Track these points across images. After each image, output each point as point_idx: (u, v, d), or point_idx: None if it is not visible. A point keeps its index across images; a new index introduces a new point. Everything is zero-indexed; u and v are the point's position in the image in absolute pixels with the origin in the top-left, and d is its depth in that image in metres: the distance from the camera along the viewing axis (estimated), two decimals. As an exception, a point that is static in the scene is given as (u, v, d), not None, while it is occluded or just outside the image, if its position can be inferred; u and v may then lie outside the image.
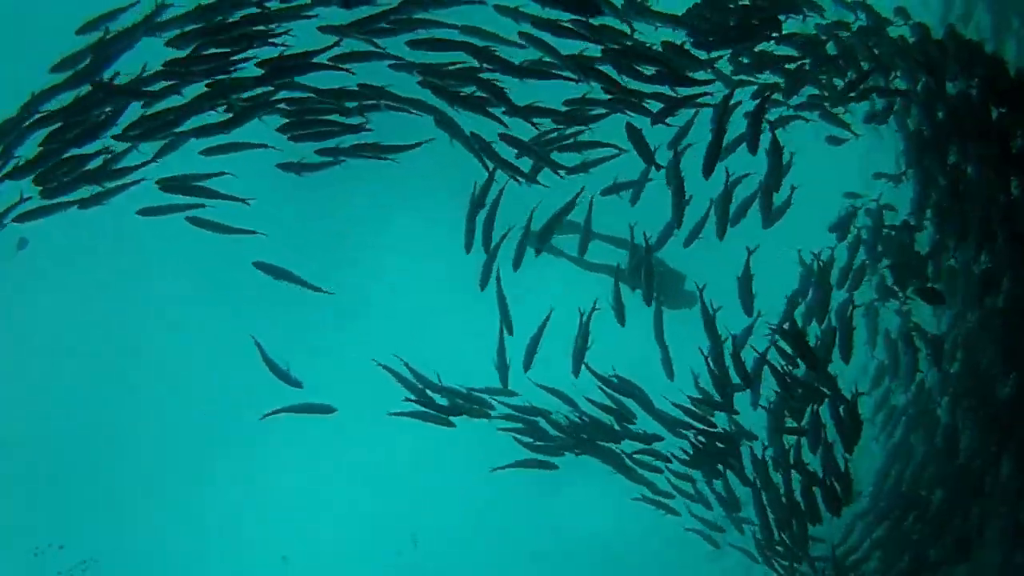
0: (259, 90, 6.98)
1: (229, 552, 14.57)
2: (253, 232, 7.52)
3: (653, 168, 7.65)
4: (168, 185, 7.27)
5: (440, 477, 14.32)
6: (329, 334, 14.15)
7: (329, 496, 14.82)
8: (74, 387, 13.78)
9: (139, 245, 12.76)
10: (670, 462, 9.09)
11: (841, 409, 8.22)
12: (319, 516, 14.86)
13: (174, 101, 6.97)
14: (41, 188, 6.93)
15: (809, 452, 8.47)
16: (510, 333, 8.44)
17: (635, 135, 7.42)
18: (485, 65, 7.06)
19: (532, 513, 14.88)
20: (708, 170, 7.25)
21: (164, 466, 14.33)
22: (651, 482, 9.51)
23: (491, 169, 7.55)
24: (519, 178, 7.58)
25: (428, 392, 8.62)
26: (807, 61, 7.76)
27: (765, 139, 7.48)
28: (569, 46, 7.15)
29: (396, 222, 14.36)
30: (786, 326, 8.46)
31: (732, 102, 7.20)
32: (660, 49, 7.09)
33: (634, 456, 9.09)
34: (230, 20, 6.72)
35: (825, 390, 8.28)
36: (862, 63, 8.15)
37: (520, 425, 8.89)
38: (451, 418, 8.66)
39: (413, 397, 8.60)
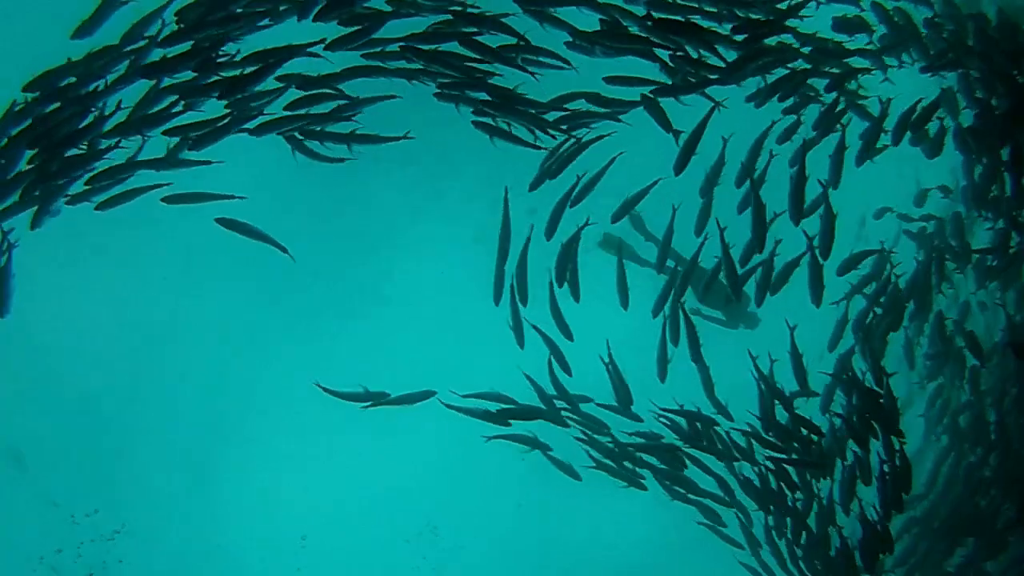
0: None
1: (252, 530, 14.75)
2: (232, 196, 7.25)
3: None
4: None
5: (463, 472, 14.15)
6: (350, 323, 14.20)
7: (349, 483, 14.80)
8: (118, 372, 14.07)
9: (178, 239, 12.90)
10: (733, 494, 8.83)
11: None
12: (338, 501, 14.84)
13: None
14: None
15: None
16: (568, 373, 8.37)
17: (652, 105, 7.02)
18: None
19: (560, 516, 14.74)
20: (759, 244, 7.09)
21: (195, 447, 14.54)
22: (713, 508, 9.14)
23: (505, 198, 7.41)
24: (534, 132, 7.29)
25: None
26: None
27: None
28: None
29: (425, 219, 14.15)
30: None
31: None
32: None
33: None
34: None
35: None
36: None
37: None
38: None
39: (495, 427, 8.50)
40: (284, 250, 7.47)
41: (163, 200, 7.21)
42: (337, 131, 7.24)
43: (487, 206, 7.97)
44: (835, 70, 7.28)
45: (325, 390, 8.29)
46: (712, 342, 8.40)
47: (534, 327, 8.12)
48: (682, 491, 8.84)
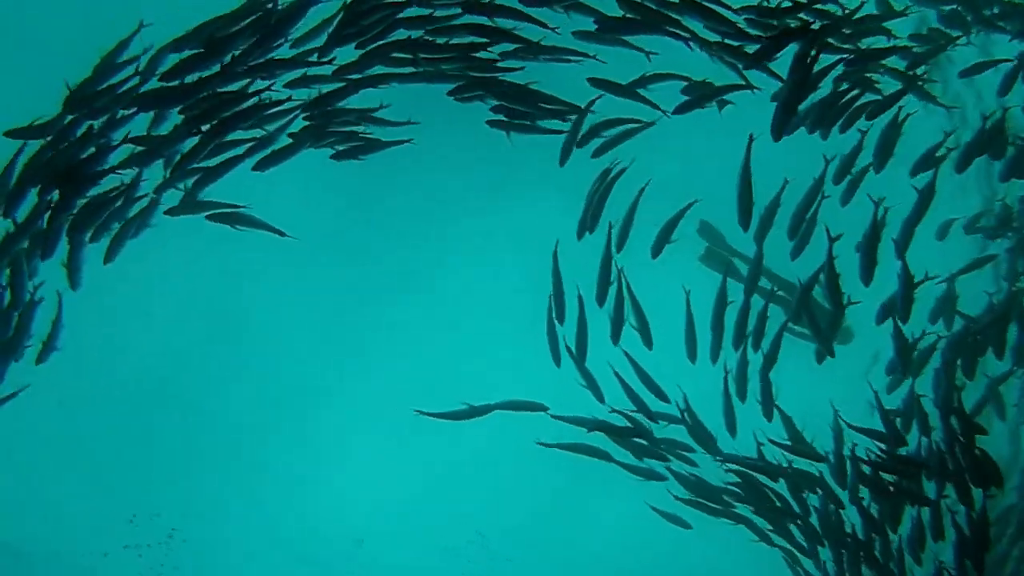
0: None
1: (307, 533, 14.87)
2: (236, 207, 7.15)
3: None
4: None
5: (516, 476, 13.98)
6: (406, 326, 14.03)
7: (405, 486, 14.78)
8: (172, 372, 14.20)
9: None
10: (823, 544, 8.21)
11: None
12: (394, 505, 14.83)
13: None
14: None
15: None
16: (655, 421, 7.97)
17: (695, 90, 6.64)
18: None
19: (610, 527, 14.38)
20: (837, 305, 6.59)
21: (251, 453, 14.58)
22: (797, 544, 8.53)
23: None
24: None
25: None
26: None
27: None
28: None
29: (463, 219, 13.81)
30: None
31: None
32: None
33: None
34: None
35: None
36: None
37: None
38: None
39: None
40: (282, 233, 7.23)
41: (166, 213, 7.10)
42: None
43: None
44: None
45: (427, 414, 8.19)
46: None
47: (620, 380, 7.83)
48: (770, 530, 8.38)
